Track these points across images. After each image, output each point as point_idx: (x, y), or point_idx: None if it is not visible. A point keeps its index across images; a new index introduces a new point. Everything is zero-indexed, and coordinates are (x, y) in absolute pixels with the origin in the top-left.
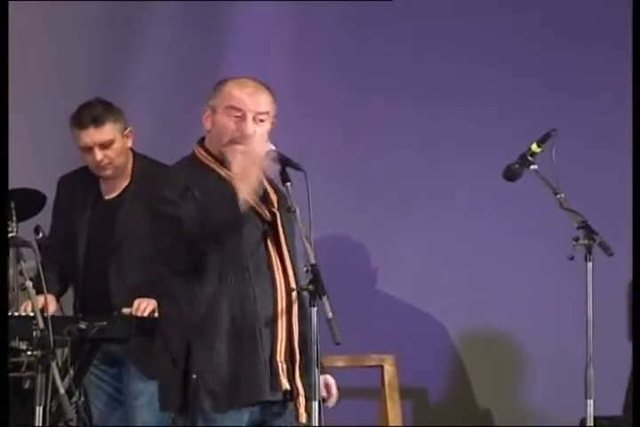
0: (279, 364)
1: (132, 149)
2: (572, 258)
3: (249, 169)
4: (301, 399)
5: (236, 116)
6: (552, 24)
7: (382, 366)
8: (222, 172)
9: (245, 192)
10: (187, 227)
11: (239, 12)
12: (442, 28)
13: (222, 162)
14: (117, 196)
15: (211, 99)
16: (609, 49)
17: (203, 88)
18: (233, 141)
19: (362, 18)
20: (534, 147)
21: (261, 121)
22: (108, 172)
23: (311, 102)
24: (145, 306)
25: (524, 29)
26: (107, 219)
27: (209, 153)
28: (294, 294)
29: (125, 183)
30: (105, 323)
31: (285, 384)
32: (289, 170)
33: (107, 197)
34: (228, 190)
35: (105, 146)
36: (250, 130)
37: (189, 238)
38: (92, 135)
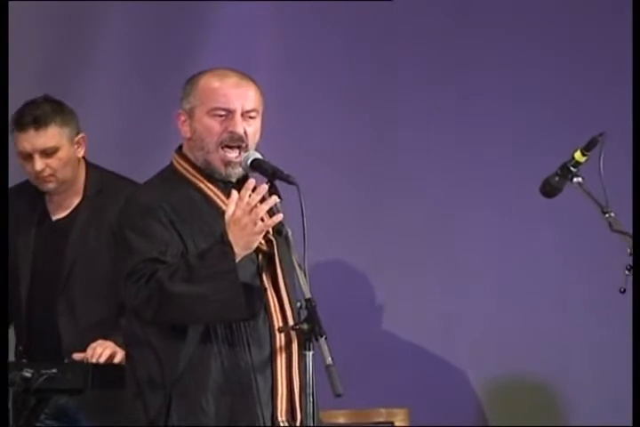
0: (281, 424)
1: (84, 160)
2: (623, 291)
3: (243, 218)
4: None
5: (221, 115)
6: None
7: (393, 423)
8: (207, 188)
9: (240, 247)
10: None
11: (221, 12)
12: (443, 27)
13: (206, 174)
14: (67, 215)
15: (184, 100)
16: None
17: (175, 92)
18: (221, 145)
19: (360, 18)
20: (578, 155)
21: (251, 118)
22: (50, 185)
23: (304, 107)
24: (101, 351)
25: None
26: (55, 243)
27: (190, 163)
28: (293, 334)
29: (77, 200)
30: (54, 371)
31: None
32: (278, 183)
33: (54, 217)
34: (213, 212)
35: (47, 153)
36: (240, 129)
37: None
38: (32, 139)
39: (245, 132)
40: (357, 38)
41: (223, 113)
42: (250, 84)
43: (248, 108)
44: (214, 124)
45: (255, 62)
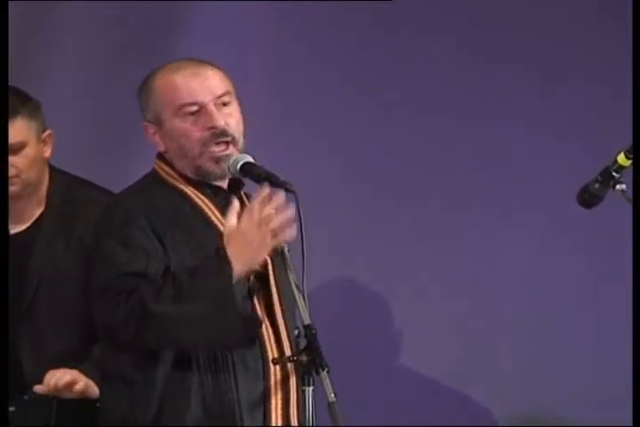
0: None
1: (48, 164)
2: None
3: (251, 231)
4: None
5: (192, 113)
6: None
7: None
8: (195, 195)
9: (242, 264)
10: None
11: (209, 11)
12: (445, 26)
13: (193, 180)
14: (28, 228)
15: (145, 110)
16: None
17: None
18: (206, 147)
19: (358, 19)
20: (621, 159)
21: (225, 105)
22: (15, 188)
23: (300, 111)
24: (59, 379)
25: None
26: (14, 262)
27: (174, 169)
28: (290, 367)
29: (39, 211)
30: (13, 408)
31: None
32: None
33: (13, 230)
34: (201, 222)
35: (12, 150)
36: (219, 122)
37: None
38: None
39: (227, 124)
40: (357, 38)
41: (194, 109)
42: (209, 67)
43: (219, 92)
44: (188, 126)
45: (247, 62)
